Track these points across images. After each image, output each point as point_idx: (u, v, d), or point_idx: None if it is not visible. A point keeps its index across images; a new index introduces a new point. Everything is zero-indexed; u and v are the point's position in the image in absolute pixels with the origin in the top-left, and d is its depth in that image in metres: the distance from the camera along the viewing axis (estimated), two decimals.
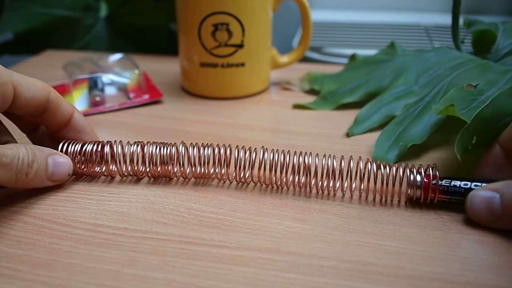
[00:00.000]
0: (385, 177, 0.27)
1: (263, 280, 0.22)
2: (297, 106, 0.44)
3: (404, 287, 0.22)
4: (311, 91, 0.48)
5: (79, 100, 0.44)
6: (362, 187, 0.28)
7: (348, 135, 0.38)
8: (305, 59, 0.58)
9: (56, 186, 0.29)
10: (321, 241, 0.25)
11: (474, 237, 0.25)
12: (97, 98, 0.43)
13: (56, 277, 0.22)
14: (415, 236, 0.25)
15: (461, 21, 0.49)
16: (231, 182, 0.31)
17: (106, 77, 0.45)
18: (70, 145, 0.30)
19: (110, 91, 0.45)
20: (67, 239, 0.25)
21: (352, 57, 0.50)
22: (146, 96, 0.45)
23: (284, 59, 0.49)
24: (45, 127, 0.32)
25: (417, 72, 0.41)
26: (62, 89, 0.47)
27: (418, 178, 0.27)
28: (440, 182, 0.27)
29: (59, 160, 0.29)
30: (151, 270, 0.23)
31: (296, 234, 0.25)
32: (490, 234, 0.25)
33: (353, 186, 0.28)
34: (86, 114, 0.42)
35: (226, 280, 0.22)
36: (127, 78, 0.46)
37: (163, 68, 0.55)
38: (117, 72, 0.46)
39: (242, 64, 0.45)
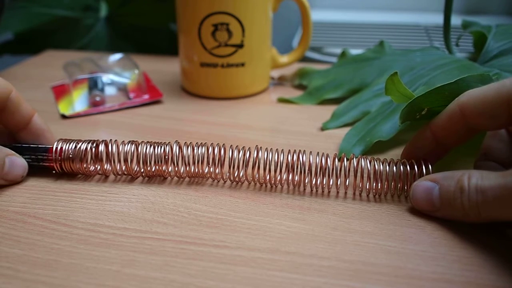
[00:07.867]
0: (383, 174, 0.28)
1: (263, 280, 0.22)
2: (282, 100, 0.45)
3: (404, 287, 0.22)
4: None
5: (79, 100, 0.44)
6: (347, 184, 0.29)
7: (322, 129, 0.39)
8: (305, 59, 0.58)
9: (56, 186, 0.29)
10: (321, 241, 0.25)
11: (475, 238, 0.25)
12: (97, 98, 0.43)
13: (56, 277, 0.22)
14: (415, 236, 0.25)
15: (459, 21, 0.49)
16: (225, 182, 0.31)
17: (106, 77, 0.45)
18: (65, 144, 0.30)
19: (110, 91, 0.45)
20: (67, 239, 0.25)
21: (342, 54, 0.50)
22: (146, 96, 0.45)
23: (284, 59, 0.49)
24: (3, 126, 0.31)
25: (401, 71, 0.41)
26: (62, 89, 0.47)
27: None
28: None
29: (16, 161, 0.29)
30: (151, 270, 0.23)
31: (296, 234, 0.25)
32: (491, 235, 0.25)
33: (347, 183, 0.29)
34: (86, 114, 0.42)
35: (226, 280, 0.22)
36: (127, 78, 0.46)
37: (163, 68, 0.55)
38: (117, 72, 0.46)
39: (242, 64, 0.45)
